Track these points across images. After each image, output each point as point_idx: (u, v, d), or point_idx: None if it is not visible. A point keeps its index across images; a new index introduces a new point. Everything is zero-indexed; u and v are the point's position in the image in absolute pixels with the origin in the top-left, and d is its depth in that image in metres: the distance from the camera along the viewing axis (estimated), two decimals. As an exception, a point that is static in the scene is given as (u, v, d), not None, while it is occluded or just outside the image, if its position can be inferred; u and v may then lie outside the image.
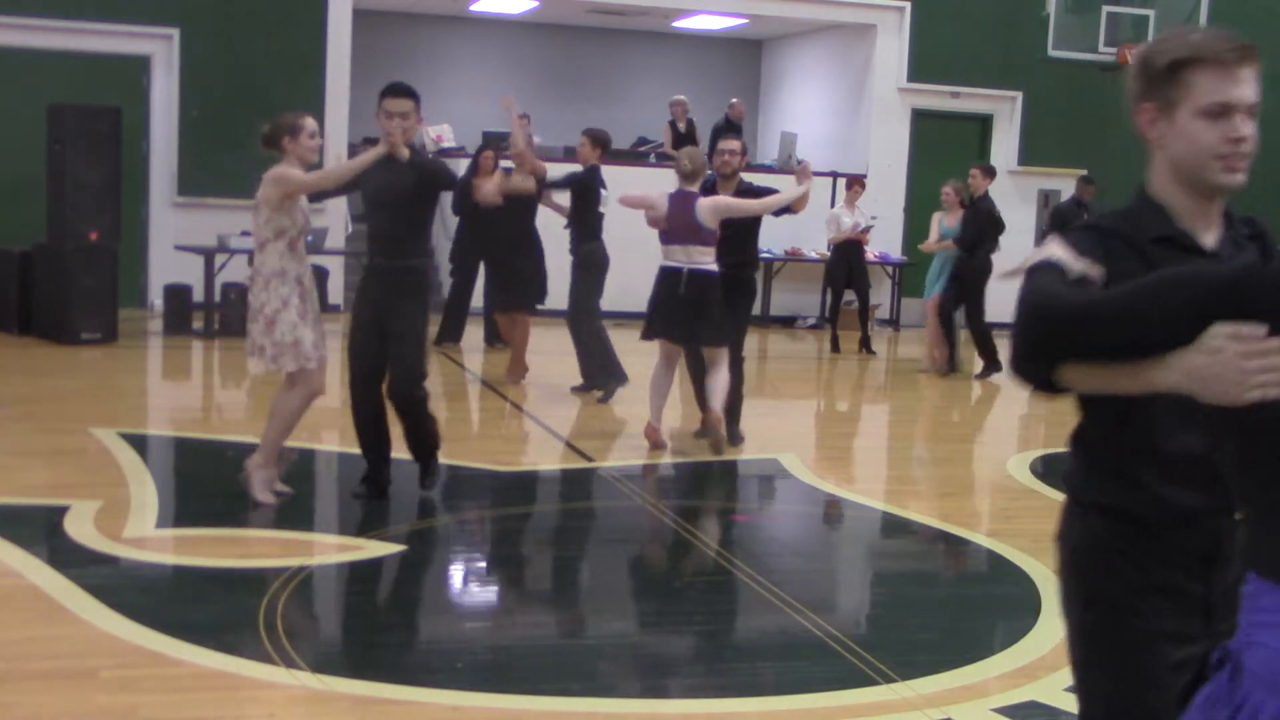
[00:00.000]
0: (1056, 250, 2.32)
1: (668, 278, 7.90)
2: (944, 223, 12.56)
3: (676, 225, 7.81)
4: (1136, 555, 2.45)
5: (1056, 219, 14.71)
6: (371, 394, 6.49)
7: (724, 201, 7.92)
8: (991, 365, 12.11)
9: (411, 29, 18.74)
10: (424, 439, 6.64)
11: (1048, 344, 2.19)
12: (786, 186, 8.37)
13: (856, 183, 14.21)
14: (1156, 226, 2.39)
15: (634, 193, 8.38)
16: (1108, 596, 2.48)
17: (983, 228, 12.02)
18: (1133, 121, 2.49)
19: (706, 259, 7.83)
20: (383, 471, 6.64)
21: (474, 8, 18.07)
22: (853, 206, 13.92)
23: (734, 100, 17.37)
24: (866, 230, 14.36)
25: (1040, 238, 15.05)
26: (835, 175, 15.88)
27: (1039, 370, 2.25)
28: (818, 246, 15.28)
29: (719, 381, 7.94)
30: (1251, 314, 2.02)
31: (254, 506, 6.28)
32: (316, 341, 6.32)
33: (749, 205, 8.01)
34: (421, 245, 6.58)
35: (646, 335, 8.14)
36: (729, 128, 16.48)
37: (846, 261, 13.85)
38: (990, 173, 12.59)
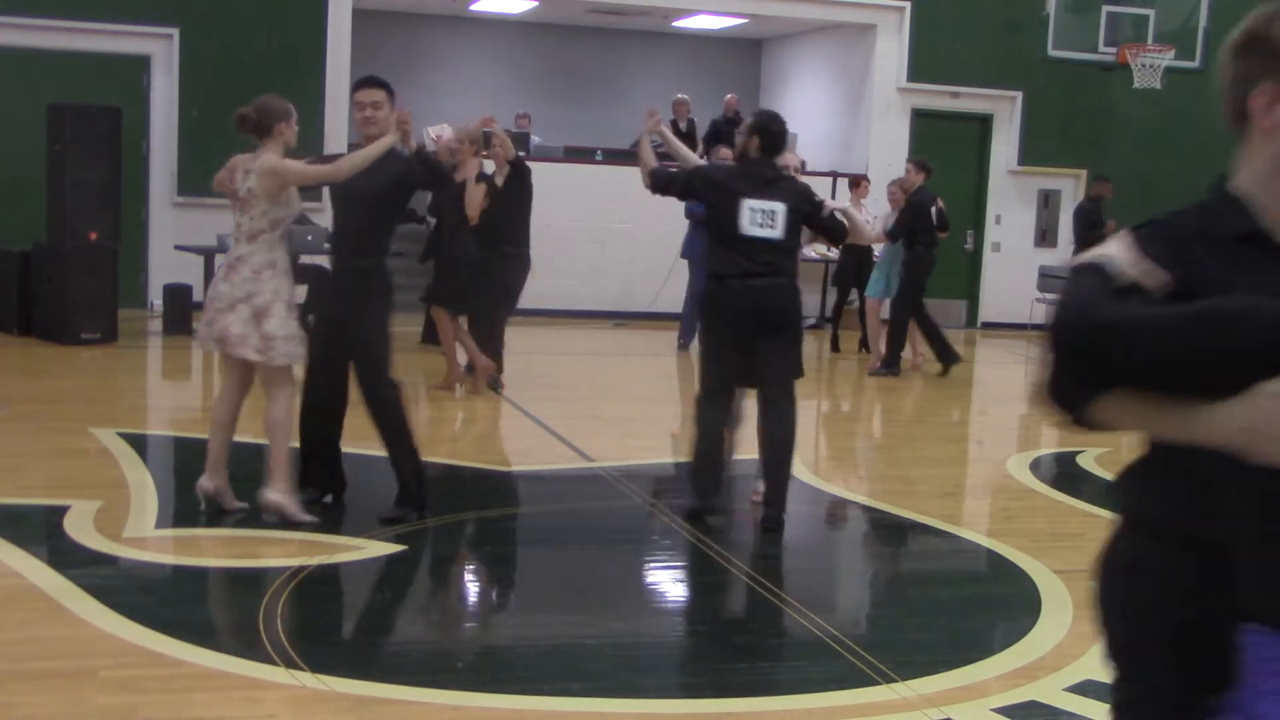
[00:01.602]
0: (1112, 250, 2.00)
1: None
2: (888, 220, 12.71)
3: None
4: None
5: (1081, 222, 14.70)
6: (325, 397, 6.40)
7: None
8: (890, 365, 12.19)
9: (411, 29, 18.74)
10: (405, 457, 6.46)
11: (1079, 362, 1.93)
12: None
13: (864, 181, 14.20)
14: (1238, 223, 2.05)
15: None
16: None
17: (911, 221, 12.07)
18: (1233, 105, 2.14)
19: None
20: (322, 474, 6.54)
21: (474, 7, 18.07)
22: (859, 205, 13.90)
23: (728, 96, 17.37)
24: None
25: (1074, 245, 15.05)
26: (835, 175, 15.89)
27: (1072, 396, 2.00)
28: (818, 246, 15.28)
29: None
30: None
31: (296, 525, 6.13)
32: (293, 338, 6.21)
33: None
34: (387, 244, 6.49)
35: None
36: (728, 124, 16.50)
37: (857, 261, 13.82)
38: (923, 167, 12.67)
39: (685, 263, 13.29)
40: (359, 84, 6.42)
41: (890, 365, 12.14)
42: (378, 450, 6.81)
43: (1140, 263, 1.98)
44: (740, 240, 6.43)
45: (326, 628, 5.24)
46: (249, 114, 6.16)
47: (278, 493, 6.13)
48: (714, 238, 6.65)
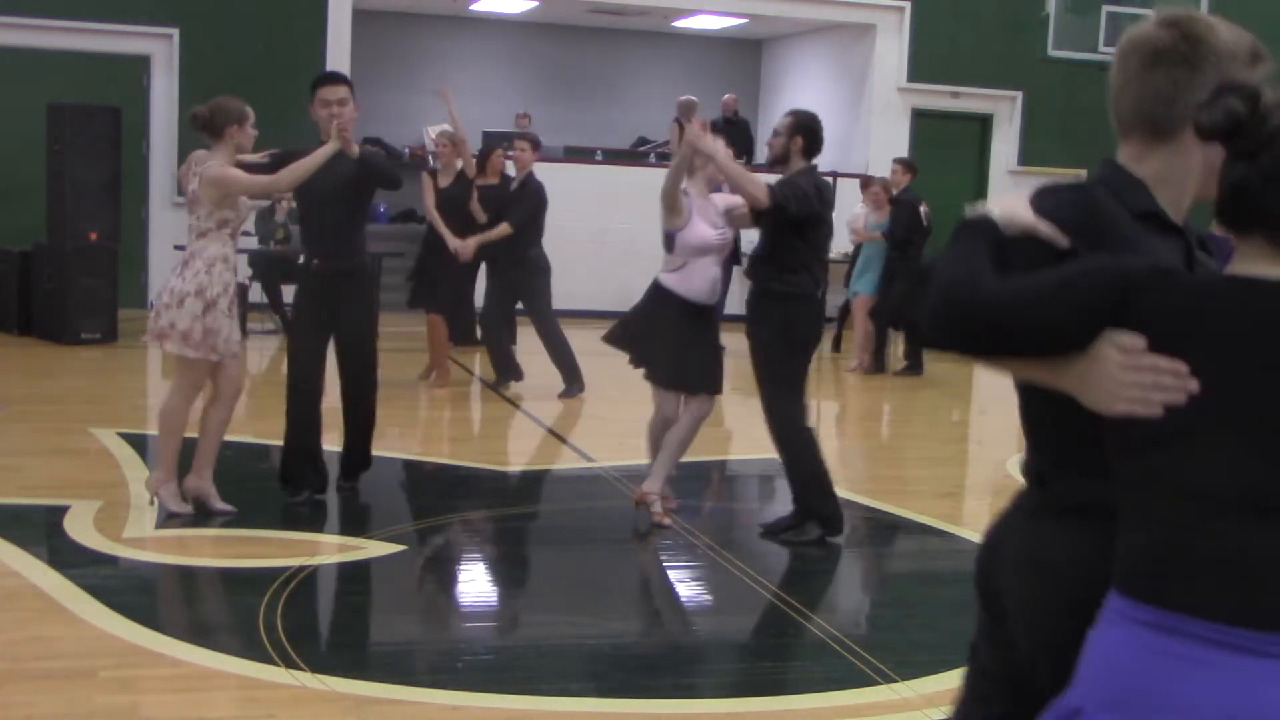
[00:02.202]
0: (1011, 207, 2.11)
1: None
2: (869, 219, 12.69)
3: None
4: None
5: None
6: (307, 398, 6.43)
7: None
8: (913, 366, 12.24)
9: (411, 29, 18.74)
10: (362, 454, 6.71)
11: (953, 332, 2.03)
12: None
13: (875, 183, 14.15)
14: (1138, 202, 2.16)
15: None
16: None
17: (908, 222, 12.05)
18: (1146, 109, 2.18)
19: None
20: (313, 474, 6.56)
21: (474, 7, 18.07)
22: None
23: (727, 96, 17.36)
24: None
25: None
26: (835, 175, 15.87)
27: (952, 349, 2.08)
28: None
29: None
30: (1144, 317, 1.94)
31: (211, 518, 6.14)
32: (233, 333, 6.19)
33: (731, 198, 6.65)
34: (362, 242, 6.52)
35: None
36: (728, 124, 16.51)
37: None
38: (910, 168, 12.65)
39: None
40: (321, 81, 6.41)
41: (914, 365, 12.19)
42: (373, 450, 6.83)
43: (1043, 223, 2.06)
44: (824, 255, 6.34)
45: (326, 628, 5.25)
46: (202, 113, 6.15)
47: (156, 480, 6.21)
48: (813, 256, 6.17)
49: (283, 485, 6.51)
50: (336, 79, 6.43)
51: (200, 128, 6.14)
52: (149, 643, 4.58)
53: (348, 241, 6.39)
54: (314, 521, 6.36)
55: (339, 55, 14.89)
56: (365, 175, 6.29)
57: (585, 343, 14.33)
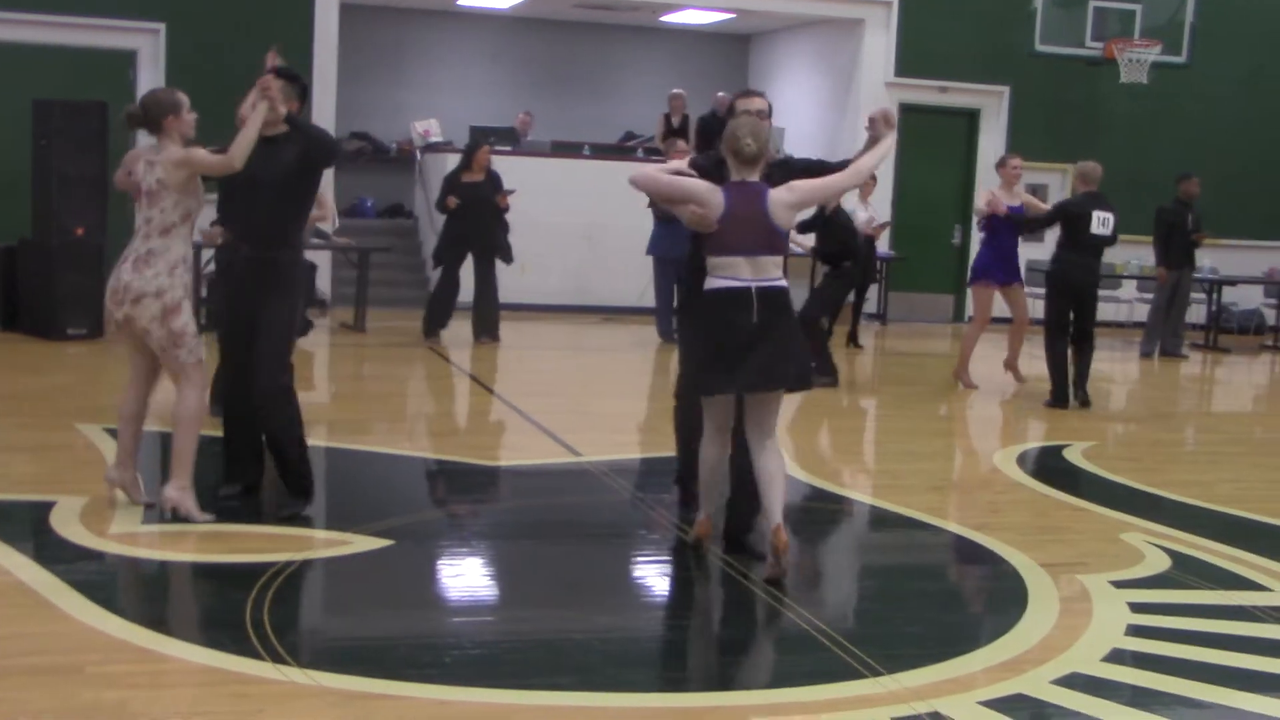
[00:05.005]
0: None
1: (727, 301, 5.52)
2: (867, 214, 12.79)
3: (740, 228, 5.51)
4: None
5: (1160, 224, 14.42)
6: (239, 389, 6.35)
7: (806, 186, 5.72)
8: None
9: (399, 23, 18.73)
10: (293, 447, 6.33)
11: None
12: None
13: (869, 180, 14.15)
14: None
15: (654, 170, 5.82)
16: None
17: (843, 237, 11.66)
18: None
19: (778, 271, 5.62)
20: (252, 468, 6.50)
21: (462, 2, 18.07)
22: (866, 201, 13.84)
23: (720, 94, 17.36)
24: (882, 226, 14.40)
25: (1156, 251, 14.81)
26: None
27: None
28: (805, 240, 15.29)
29: (776, 466, 5.70)
30: None
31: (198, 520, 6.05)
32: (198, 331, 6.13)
33: (838, 180, 5.95)
34: (297, 233, 6.34)
35: (706, 389, 5.70)
36: (716, 121, 16.49)
37: (865, 253, 13.74)
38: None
39: (654, 259, 13.28)
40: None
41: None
42: (361, 445, 6.82)
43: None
44: None
45: (314, 623, 5.24)
46: (135, 111, 6.10)
47: (177, 489, 6.04)
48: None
49: (225, 479, 6.48)
50: (284, 75, 6.29)
51: (138, 125, 6.09)
52: (136, 638, 4.57)
53: (280, 232, 6.22)
54: (301, 516, 6.34)
55: (326, 50, 14.87)
56: (304, 152, 6.12)
57: (573, 338, 14.37)
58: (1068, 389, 10.67)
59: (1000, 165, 11.65)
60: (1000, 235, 11.29)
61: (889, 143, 6.08)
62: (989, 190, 11.59)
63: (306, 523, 6.18)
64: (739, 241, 5.49)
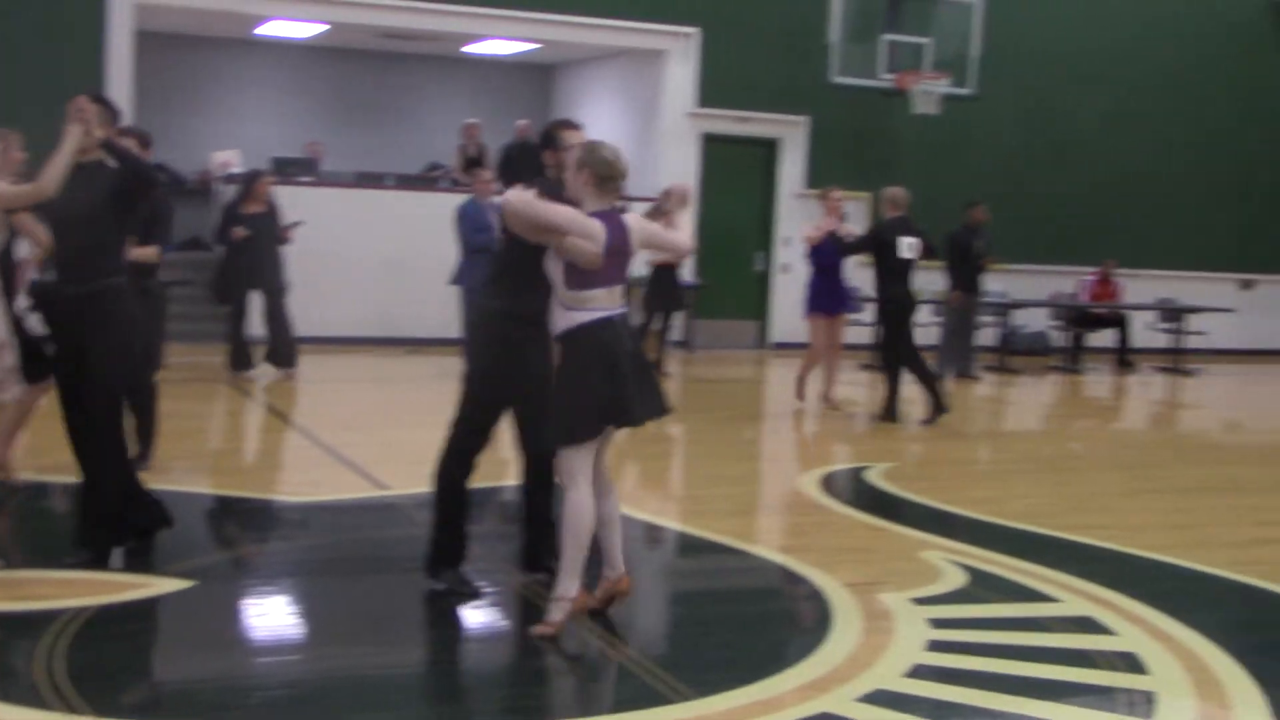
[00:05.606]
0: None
1: (608, 333, 5.32)
2: None
3: (612, 260, 5.32)
4: None
5: (950, 249, 14.81)
6: (81, 427, 6.06)
7: (649, 226, 5.67)
8: None
9: (197, 51, 18.37)
10: (111, 486, 6.08)
11: None
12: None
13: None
14: None
15: (533, 198, 5.36)
16: None
17: None
18: None
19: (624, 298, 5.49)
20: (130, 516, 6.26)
21: (261, 31, 17.76)
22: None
23: (521, 122, 17.43)
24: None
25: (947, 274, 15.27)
26: (628, 199, 16.02)
27: None
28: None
29: (617, 507, 5.60)
30: None
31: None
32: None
33: (669, 240, 5.84)
34: (117, 261, 6.05)
35: (591, 431, 5.35)
36: (520, 151, 16.53)
37: (672, 281, 13.88)
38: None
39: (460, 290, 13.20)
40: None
41: None
42: (160, 484, 6.65)
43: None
44: None
45: (111, 670, 5.06)
46: None
47: None
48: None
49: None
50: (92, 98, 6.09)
51: None
52: (-81, 692, 4.38)
53: (99, 263, 5.94)
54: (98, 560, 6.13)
55: (120, 79, 14.50)
56: (121, 179, 5.88)
57: (379, 369, 14.21)
58: (899, 404, 11.42)
59: (823, 197, 12.16)
60: (827, 266, 11.76)
61: (682, 234, 5.86)
62: (810, 224, 12.16)
63: (104, 566, 5.98)
64: (611, 273, 5.34)
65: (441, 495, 5.82)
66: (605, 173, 5.34)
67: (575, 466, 5.33)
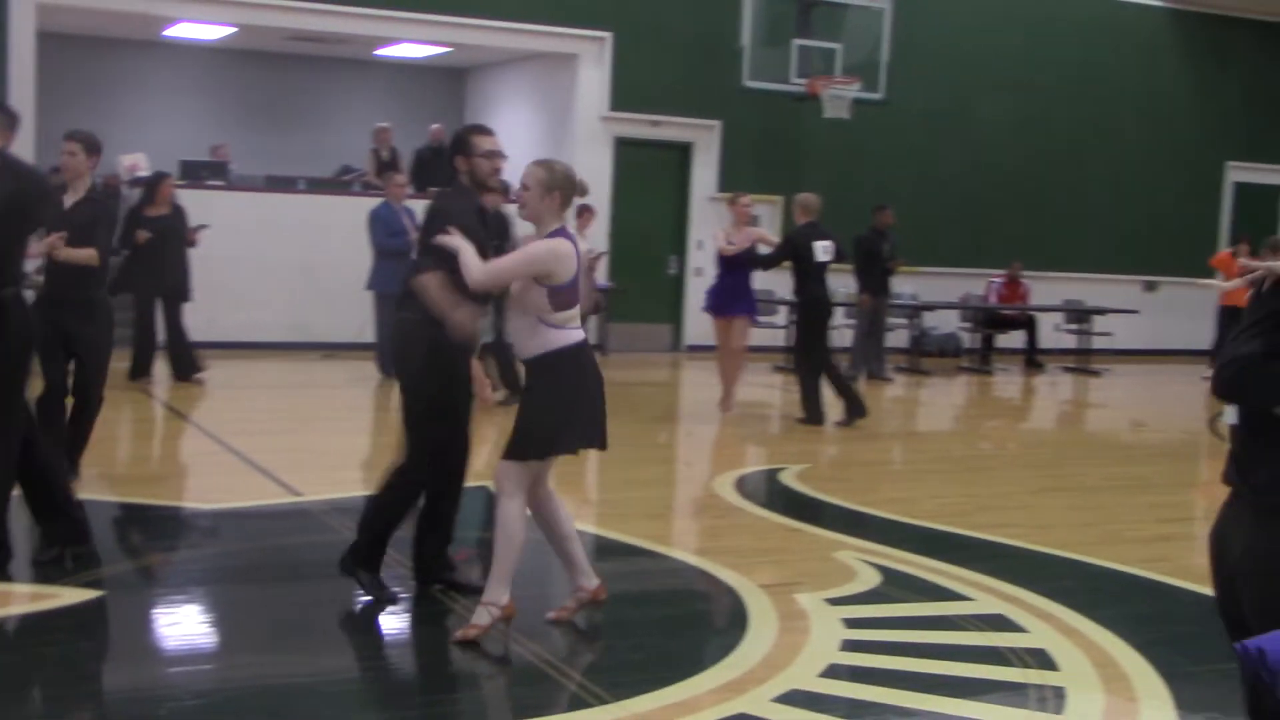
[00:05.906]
0: None
1: (586, 353, 5.39)
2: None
3: (580, 279, 5.38)
4: None
5: (859, 252, 14.91)
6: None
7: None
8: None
9: (103, 53, 18.09)
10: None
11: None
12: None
13: (587, 210, 14.22)
14: None
15: (522, 258, 5.35)
16: None
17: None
18: None
19: None
20: (57, 524, 6.19)
21: (168, 33, 17.53)
22: (584, 234, 13.94)
23: (434, 125, 17.37)
24: (599, 257, 14.53)
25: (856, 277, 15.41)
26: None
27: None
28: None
29: (570, 519, 5.78)
30: None
31: None
32: None
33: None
34: (16, 272, 5.89)
35: (567, 449, 5.46)
36: (434, 155, 16.46)
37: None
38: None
39: (374, 294, 13.06)
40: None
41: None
42: (80, 494, 6.53)
43: None
44: None
45: (19, 683, 4.98)
46: None
47: None
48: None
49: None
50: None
51: None
52: None
53: None
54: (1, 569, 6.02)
55: (23, 80, 14.24)
56: (16, 191, 5.70)
57: (292, 375, 14.07)
58: (823, 407, 11.51)
59: (731, 203, 12.16)
60: (732, 270, 11.84)
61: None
62: (721, 230, 12.16)
63: (6, 577, 5.86)
64: (580, 292, 5.36)
65: (388, 502, 5.80)
66: (572, 192, 5.37)
67: (524, 479, 5.34)
